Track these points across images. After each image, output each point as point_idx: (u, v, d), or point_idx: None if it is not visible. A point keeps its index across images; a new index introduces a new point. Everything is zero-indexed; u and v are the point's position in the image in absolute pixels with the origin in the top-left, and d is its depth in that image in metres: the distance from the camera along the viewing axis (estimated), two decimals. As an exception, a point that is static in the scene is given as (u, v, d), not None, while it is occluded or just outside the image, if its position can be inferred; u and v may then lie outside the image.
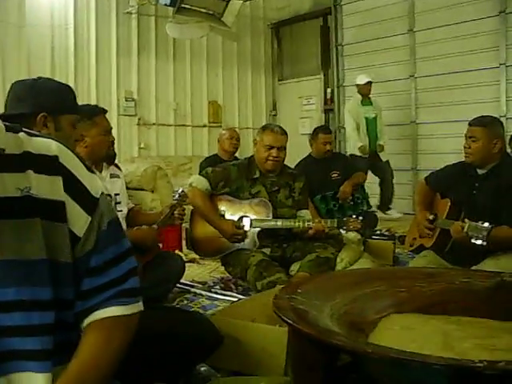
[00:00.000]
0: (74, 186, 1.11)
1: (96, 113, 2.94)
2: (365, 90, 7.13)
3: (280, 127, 3.96)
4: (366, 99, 7.18)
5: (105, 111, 3.03)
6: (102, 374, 1.10)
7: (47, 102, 2.08)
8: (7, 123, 1.09)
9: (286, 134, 3.91)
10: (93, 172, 1.16)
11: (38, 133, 1.15)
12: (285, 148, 3.88)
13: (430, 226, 3.50)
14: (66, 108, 2.16)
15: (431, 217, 3.50)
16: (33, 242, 1.03)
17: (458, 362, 1.38)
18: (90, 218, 1.11)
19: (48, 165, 1.09)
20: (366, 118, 7.07)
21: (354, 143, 6.97)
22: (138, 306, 1.18)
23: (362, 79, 7.15)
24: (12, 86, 2.15)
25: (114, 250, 1.16)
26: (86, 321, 1.13)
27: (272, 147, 3.80)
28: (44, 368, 1.03)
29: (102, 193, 1.17)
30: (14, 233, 1.01)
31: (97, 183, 1.17)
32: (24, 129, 1.11)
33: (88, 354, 1.09)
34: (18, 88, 2.13)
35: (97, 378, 1.09)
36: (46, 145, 1.11)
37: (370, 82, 7.10)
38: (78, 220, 1.10)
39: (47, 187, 1.07)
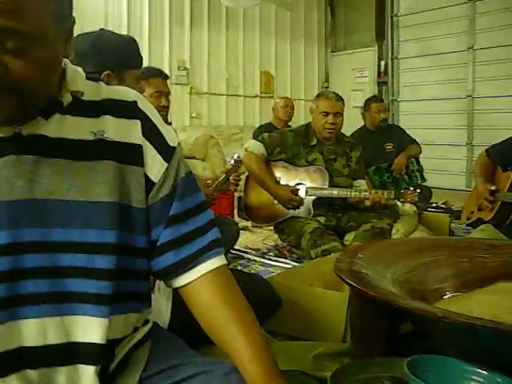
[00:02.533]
0: (151, 131, 1.10)
1: (152, 74, 2.86)
2: None
3: (335, 93, 3.92)
4: None
5: (164, 76, 2.96)
6: (251, 313, 1.12)
7: (111, 58, 2.02)
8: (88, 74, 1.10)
9: (342, 100, 3.88)
10: (168, 124, 1.16)
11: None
12: (341, 114, 3.84)
13: (490, 198, 3.41)
14: (130, 63, 2.10)
15: (493, 187, 3.40)
16: (103, 185, 1.02)
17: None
18: (166, 165, 1.10)
19: (126, 109, 1.08)
20: None
21: None
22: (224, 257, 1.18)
23: None
24: (74, 40, 2.10)
25: (193, 200, 1.14)
26: (188, 277, 1.12)
27: (328, 113, 3.77)
28: (100, 312, 1.01)
29: (179, 143, 1.16)
30: (85, 174, 1.01)
31: (173, 133, 1.16)
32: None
33: (225, 304, 1.10)
34: (81, 44, 2.02)
35: (256, 321, 1.11)
36: (125, 92, 1.12)
37: None
38: (155, 165, 1.09)
39: (125, 131, 1.06)
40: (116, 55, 2.05)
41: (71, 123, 1.01)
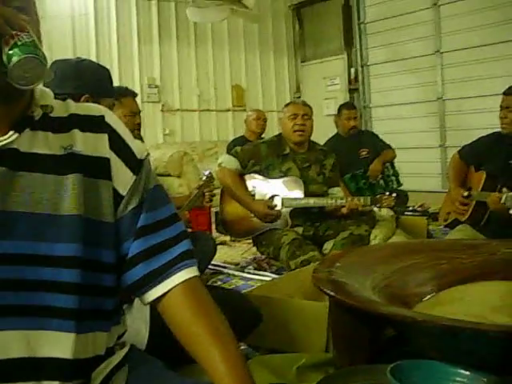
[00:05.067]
0: (119, 144, 1.10)
1: (124, 94, 2.94)
2: None
3: (302, 100, 4.03)
4: None
5: (134, 94, 3.05)
6: (228, 328, 1.10)
7: (90, 83, 2.10)
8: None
9: (310, 107, 3.93)
10: (142, 141, 1.17)
11: None
12: (310, 117, 3.86)
13: (465, 201, 3.43)
14: (107, 91, 2.19)
15: (466, 193, 3.43)
16: (71, 198, 1.01)
17: (515, 328, 1.32)
18: (134, 177, 1.10)
19: (94, 123, 1.09)
20: None
21: None
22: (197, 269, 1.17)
23: None
24: (54, 64, 2.13)
25: (163, 212, 1.14)
26: (159, 290, 1.10)
27: (296, 115, 3.80)
28: (66, 327, 1.00)
29: (147, 155, 1.16)
30: (54, 188, 1.01)
31: (141, 147, 1.16)
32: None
33: (198, 318, 1.08)
34: (62, 67, 2.11)
35: (231, 335, 1.09)
36: (93, 107, 1.14)
37: None
38: (123, 178, 1.09)
39: (92, 144, 1.07)
40: (95, 81, 2.15)
41: (42, 138, 1.02)
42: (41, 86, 1.09)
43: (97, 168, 1.06)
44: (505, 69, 6.69)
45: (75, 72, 2.10)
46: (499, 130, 3.38)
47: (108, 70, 2.29)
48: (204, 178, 3.35)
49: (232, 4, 6.94)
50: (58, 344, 0.99)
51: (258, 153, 3.82)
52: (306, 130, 3.82)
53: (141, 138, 3.16)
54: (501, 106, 3.31)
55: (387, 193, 3.77)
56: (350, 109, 5.38)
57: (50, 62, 2.15)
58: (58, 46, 6.52)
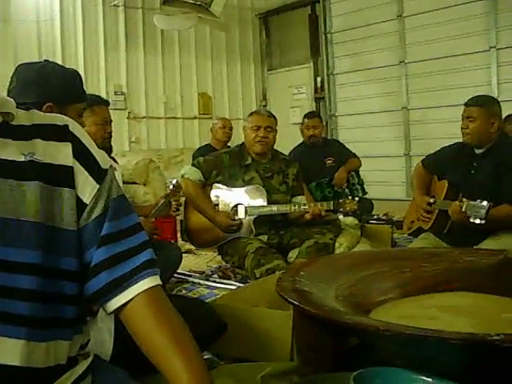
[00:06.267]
0: (83, 153, 1.10)
1: (96, 102, 2.91)
2: None
3: (267, 111, 4.03)
4: None
5: (107, 103, 3.03)
6: (191, 337, 1.09)
7: (54, 90, 2.01)
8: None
9: (275, 117, 3.91)
10: (111, 150, 1.17)
11: None
12: (273, 129, 3.86)
13: (429, 209, 3.47)
14: (73, 97, 2.10)
15: (431, 200, 3.47)
16: (28, 205, 1.01)
17: (475, 336, 1.34)
18: (98, 186, 1.10)
19: (57, 132, 1.09)
20: None
21: None
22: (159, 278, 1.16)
23: None
24: (17, 69, 2.06)
25: (126, 221, 1.14)
26: (122, 299, 1.10)
27: (259, 127, 3.80)
28: (17, 334, 0.98)
29: (111, 166, 1.16)
30: (11, 193, 1.00)
31: (105, 157, 1.16)
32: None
33: (162, 329, 1.08)
34: (24, 74, 2.04)
35: (193, 344, 1.08)
36: (57, 117, 1.14)
37: None
38: (87, 186, 1.09)
39: (55, 153, 1.07)
40: (60, 87, 2.05)
41: (1, 145, 1.02)
42: (2, 95, 1.10)
43: (59, 176, 1.06)
44: (467, 80, 6.83)
45: (38, 78, 2.01)
46: (461, 140, 3.43)
47: (77, 73, 2.19)
48: (171, 187, 3.34)
49: (199, 12, 6.97)
50: (6, 350, 0.98)
51: (220, 163, 3.82)
52: (267, 141, 3.83)
53: (111, 147, 3.12)
54: (462, 117, 3.36)
55: (350, 197, 3.81)
56: (309, 118, 5.41)
57: (14, 67, 2.11)
58: (22, 51, 6.39)
